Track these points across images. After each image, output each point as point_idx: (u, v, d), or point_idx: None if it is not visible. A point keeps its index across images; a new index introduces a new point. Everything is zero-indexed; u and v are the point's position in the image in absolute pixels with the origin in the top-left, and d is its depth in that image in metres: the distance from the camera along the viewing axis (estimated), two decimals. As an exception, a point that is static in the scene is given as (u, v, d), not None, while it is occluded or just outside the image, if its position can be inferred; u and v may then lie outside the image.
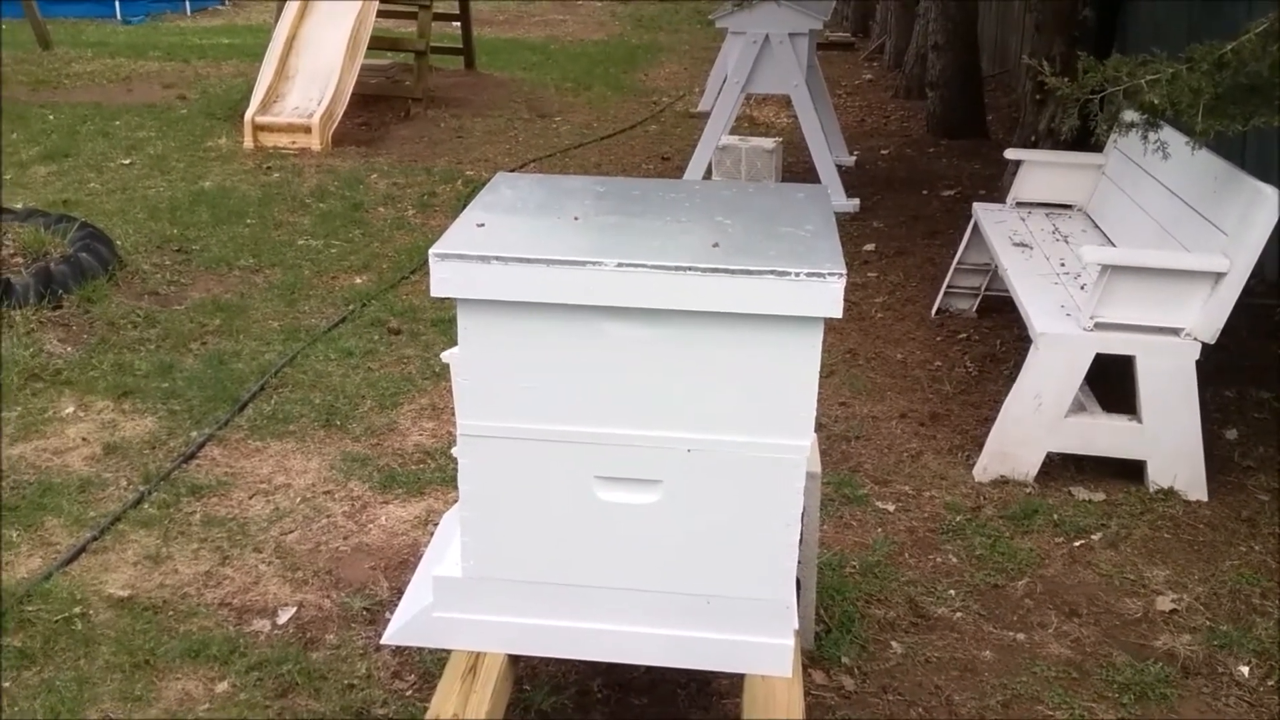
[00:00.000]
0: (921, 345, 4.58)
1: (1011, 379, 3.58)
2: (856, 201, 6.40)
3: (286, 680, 2.58)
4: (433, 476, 3.47)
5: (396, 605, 2.38)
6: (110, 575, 2.96)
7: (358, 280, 5.16)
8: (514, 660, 2.32)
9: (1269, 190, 3.25)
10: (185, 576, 2.97)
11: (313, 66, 7.92)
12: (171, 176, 6.73)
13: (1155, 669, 2.69)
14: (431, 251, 2.01)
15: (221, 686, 2.57)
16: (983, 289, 4.81)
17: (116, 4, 13.38)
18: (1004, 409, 3.50)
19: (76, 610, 2.79)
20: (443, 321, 4.59)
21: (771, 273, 1.95)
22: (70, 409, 3.83)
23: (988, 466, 3.53)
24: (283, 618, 2.81)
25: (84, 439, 3.64)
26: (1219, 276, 3.25)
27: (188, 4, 14.41)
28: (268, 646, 2.70)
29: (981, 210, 4.61)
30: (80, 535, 3.11)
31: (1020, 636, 2.82)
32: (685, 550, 2.15)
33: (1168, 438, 3.40)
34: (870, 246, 5.77)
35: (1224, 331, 3.31)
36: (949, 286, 4.85)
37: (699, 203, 2.34)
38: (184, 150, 7.34)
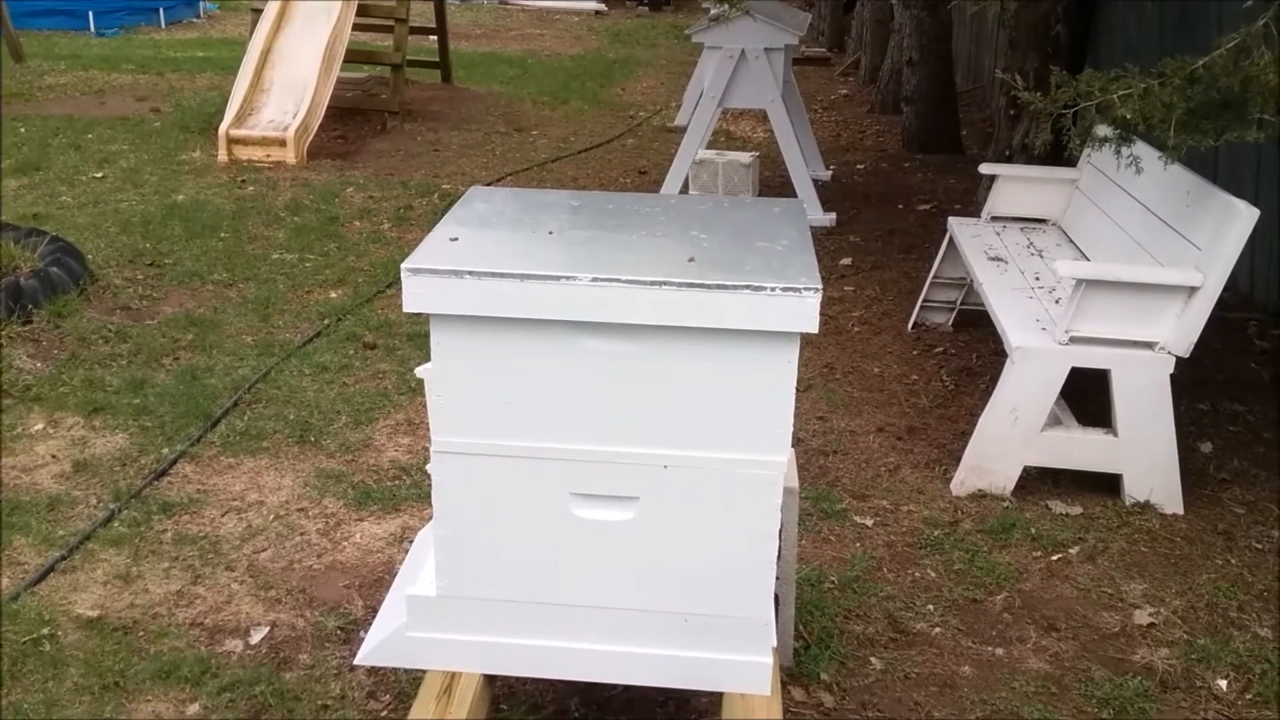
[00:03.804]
0: (898, 359, 4.59)
1: (988, 393, 3.59)
2: (833, 216, 6.42)
3: (259, 701, 2.55)
4: (408, 493, 3.44)
5: (371, 624, 2.35)
6: (79, 595, 2.91)
7: (333, 294, 5.13)
8: (490, 680, 2.30)
9: (1241, 205, 3.27)
10: (156, 596, 2.92)
11: (288, 79, 7.88)
12: (144, 190, 6.68)
13: (1134, 683, 2.68)
14: (404, 266, 1.99)
15: (193, 708, 2.53)
16: (958, 303, 4.83)
17: (90, 17, 13.28)
18: (980, 423, 3.50)
19: (45, 631, 2.74)
20: (418, 336, 4.57)
21: (747, 288, 1.94)
22: (39, 426, 3.77)
23: (965, 481, 3.53)
24: (255, 638, 2.77)
25: (53, 456, 3.59)
26: (1193, 290, 3.27)
27: (162, 17, 14.32)
28: (240, 667, 2.66)
29: (957, 225, 4.63)
30: (49, 554, 3.06)
31: (999, 651, 2.82)
32: (662, 567, 2.13)
33: (1143, 451, 3.41)
34: (847, 261, 5.78)
35: (1198, 345, 3.33)
36: (925, 301, 4.86)
37: (675, 217, 2.33)
38: (157, 163, 7.28)
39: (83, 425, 3.80)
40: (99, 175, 6.96)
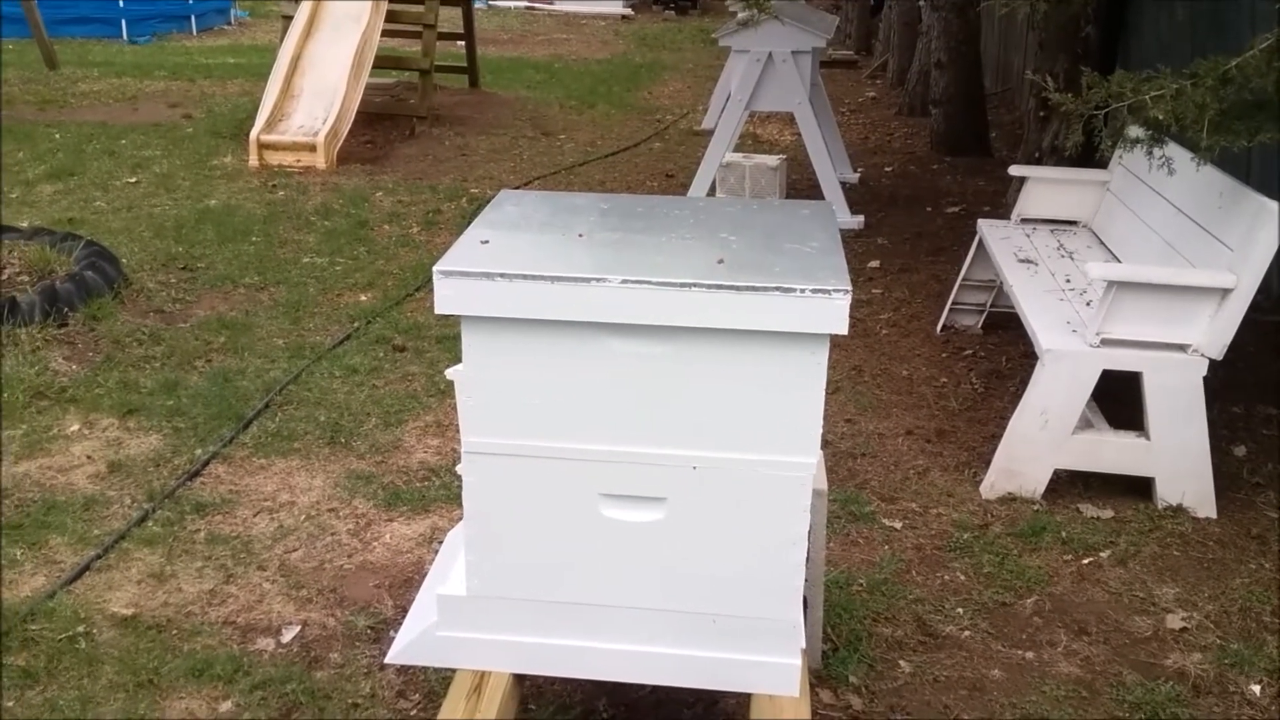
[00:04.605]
0: (927, 362, 4.57)
1: (1018, 396, 3.57)
2: (861, 218, 6.40)
3: (290, 700, 2.57)
4: (437, 494, 3.46)
5: (401, 624, 2.37)
6: (114, 594, 2.95)
7: (363, 297, 5.17)
8: (519, 679, 2.31)
9: (1275, 205, 3.24)
10: (189, 595, 2.95)
11: (318, 85, 7.95)
12: (177, 195, 6.75)
13: (1166, 688, 2.66)
14: (435, 269, 2.00)
15: (225, 706, 2.55)
16: (988, 305, 4.80)
17: (123, 24, 13.44)
18: (1011, 426, 3.49)
19: (80, 629, 2.78)
20: (448, 338, 4.59)
21: (777, 289, 1.94)
22: (75, 427, 3.82)
23: (995, 483, 3.52)
24: (287, 636, 2.80)
25: (89, 457, 3.64)
26: (1225, 292, 3.24)
27: (193, 24, 14.47)
28: (271, 665, 2.69)
29: (986, 227, 4.61)
30: (84, 553, 3.10)
31: (1029, 655, 2.80)
32: (691, 568, 2.14)
33: (1175, 454, 3.38)
34: (875, 263, 5.77)
35: (1231, 347, 3.30)
36: (954, 303, 4.84)
37: (703, 219, 2.34)
38: (189, 169, 7.36)
39: (117, 426, 3.84)
40: (133, 180, 7.04)
